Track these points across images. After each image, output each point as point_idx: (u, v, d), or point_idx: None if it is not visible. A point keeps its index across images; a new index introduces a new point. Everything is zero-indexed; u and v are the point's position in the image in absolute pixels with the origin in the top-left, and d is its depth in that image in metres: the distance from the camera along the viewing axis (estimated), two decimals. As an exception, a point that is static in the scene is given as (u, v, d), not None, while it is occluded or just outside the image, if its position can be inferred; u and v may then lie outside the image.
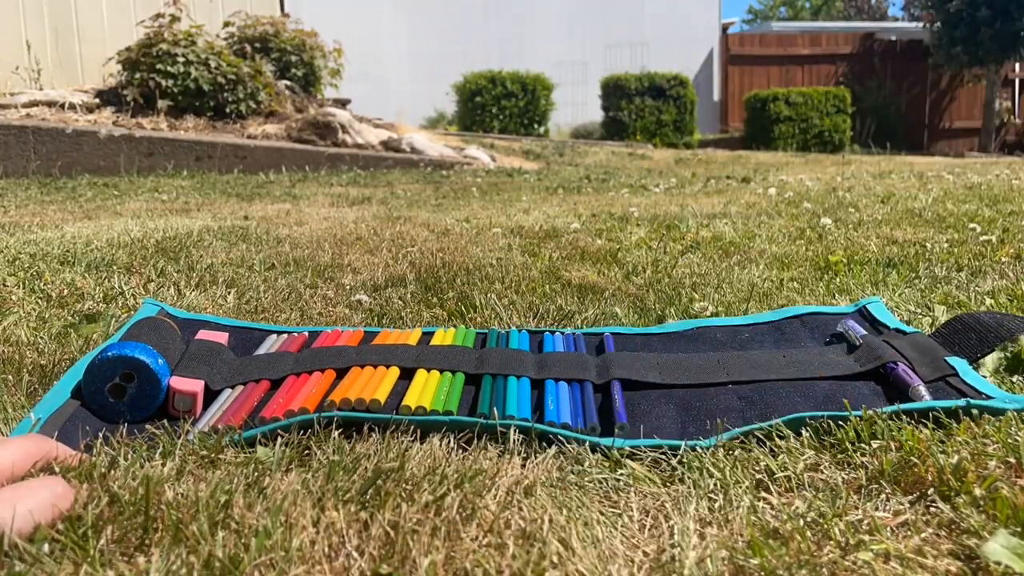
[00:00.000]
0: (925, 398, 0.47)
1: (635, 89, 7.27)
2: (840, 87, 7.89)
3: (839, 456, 0.42)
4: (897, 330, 0.60)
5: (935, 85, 8.62)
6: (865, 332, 0.59)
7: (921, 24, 8.42)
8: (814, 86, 8.00)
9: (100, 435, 0.48)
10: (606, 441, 0.46)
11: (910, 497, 0.37)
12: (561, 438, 0.47)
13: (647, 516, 0.38)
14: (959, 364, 0.51)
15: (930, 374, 0.51)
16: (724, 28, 9.19)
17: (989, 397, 0.46)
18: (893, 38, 8.71)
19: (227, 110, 3.68)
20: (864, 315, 0.66)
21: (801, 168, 3.73)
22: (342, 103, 4.51)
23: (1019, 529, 0.32)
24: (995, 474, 0.37)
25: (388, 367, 0.56)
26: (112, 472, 0.42)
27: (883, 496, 0.38)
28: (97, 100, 3.58)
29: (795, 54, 8.72)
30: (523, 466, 0.44)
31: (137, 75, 3.51)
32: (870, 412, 0.44)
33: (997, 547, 0.30)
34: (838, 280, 0.94)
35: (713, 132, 8.53)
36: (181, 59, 3.54)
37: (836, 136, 7.43)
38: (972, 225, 1.34)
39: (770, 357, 0.55)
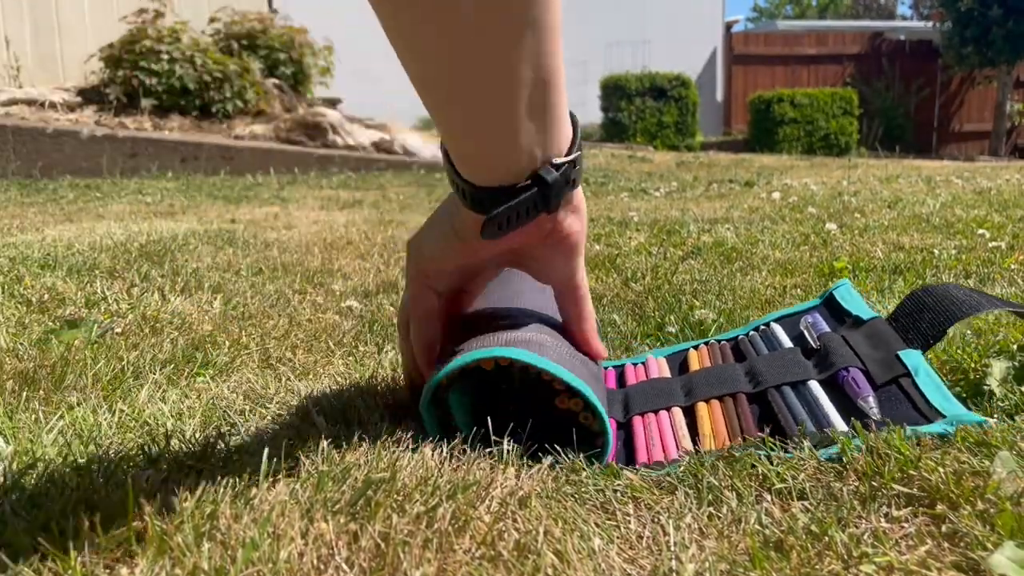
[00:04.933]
0: (872, 410, 0.45)
1: (635, 89, 7.23)
2: (847, 88, 7.74)
3: (839, 467, 0.42)
4: (857, 318, 0.56)
5: (945, 86, 8.46)
6: (827, 328, 0.57)
7: (931, 23, 8.33)
8: (820, 87, 7.83)
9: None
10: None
11: (913, 508, 0.37)
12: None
13: (644, 528, 0.38)
14: (912, 360, 0.48)
15: (882, 375, 0.48)
16: (728, 27, 9.12)
17: (939, 414, 0.44)
18: (902, 38, 8.61)
19: (213, 109, 3.64)
20: (831, 304, 0.62)
21: (806, 172, 3.72)
22: (332, 102, 4.48)
23: None
24: (999, 484, 0.37)
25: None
26: (93, 482, 0.41)
27: (885, 508, 0.37)
28: (79, 99, 3.53)
29: (801, 54, 8.56)
30: (517, 476, 0.43)
31: (120, 73, 3.47)
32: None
33: (1003, 559, 0.29)
34: (843, 287, 0.93)
35: (716, 134, 8.45)
36: (165, 56, 3.50)
37: (842, 139, 7.29)
38: (981, 231, 1.34)
39: (732, 371, 0.53)
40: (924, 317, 0.53)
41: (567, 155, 0.42)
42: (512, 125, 0.39)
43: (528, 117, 0.39)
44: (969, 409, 0.48)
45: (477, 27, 0.35)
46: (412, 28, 0.37)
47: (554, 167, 0.41)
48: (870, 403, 0.46)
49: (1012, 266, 1.02)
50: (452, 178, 0.43)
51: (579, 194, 0.45)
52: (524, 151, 0.40)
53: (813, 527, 0.35)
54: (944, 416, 0.44)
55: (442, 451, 0.47)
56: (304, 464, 0.45)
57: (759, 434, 0.45)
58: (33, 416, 0.53)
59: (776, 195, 2.24)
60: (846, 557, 0.33)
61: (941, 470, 0.39)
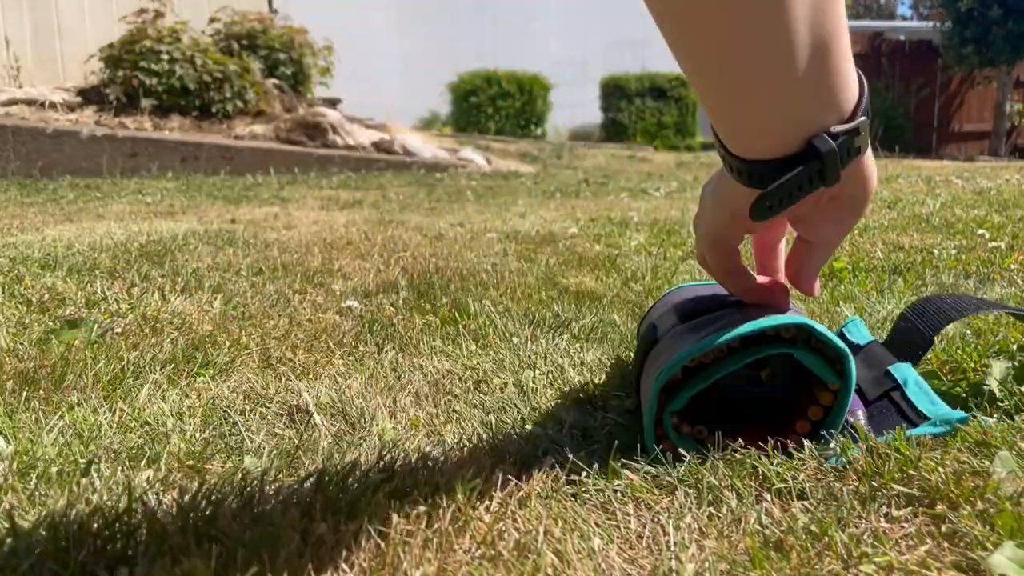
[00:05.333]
0: (860, 423, 0.46)
1: (635, 90, 7.25)
2: (848, 88, 7.82)
3: (839, 467, 0.42)
4: (857, 346, 0.59)
5: (945, 87, 8.44)
6: None
7: (931, 23, 8.32)
8: (820, 86, 7.95)
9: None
10: None
11: (913, 508, 0.37)
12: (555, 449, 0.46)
13: (644, 527, 0.38)
14: (901, 373, 0.51)
15: (874, 391, 0.51)
16: None
17: (925, 417, 0.46)
18: (902, 38, 8.58)
19: (213, 109, 3.64)
20: (841, 338, 0.64)
21: (803, 172, 3.71)
22: (332, 103, 4.48)
23: None
24: (999, 484, 0.37)
25: None
26: (93, 482, 0.41)
27: (885, 508, 0.37)
28: (79, 99, 3.53)
29: None
30: (517, 476, 0.43)
31: (120, 73, 3.47)
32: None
33: (1003, 559, 0.29)
34: (843, 287, 0.93)
35: None
36: (165, 56, 3.50)
37: (842, 139, 7.37)
38: (981, 231, 1.34)
39: None
40: (915, 334, 0.56)
41: (848, 121, 0.37)
42: (779, 90, 0.35)
43: (800, 81, 0.35)
44: (969, 409, 0.48)
45: None
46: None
47: (830, 136, 0.37)
48: (859, 417, 0.47)
49: (1012, 266, 1.02)
50: (721, 153, 0.40)
51: (867, 160, 0.40)
52: (794, 118, 0.36)
53: (813, 527, 0.35)
54: (929, 419, 0.45)
55: (441, 452, 0.47)
56: (304, 464, 0.45)
57: None
58: (33, 416, 0.53)
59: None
60: (846, 557, 0.33)
61: (941, 470, 0.39)
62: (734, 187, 0.40)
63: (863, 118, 0.38)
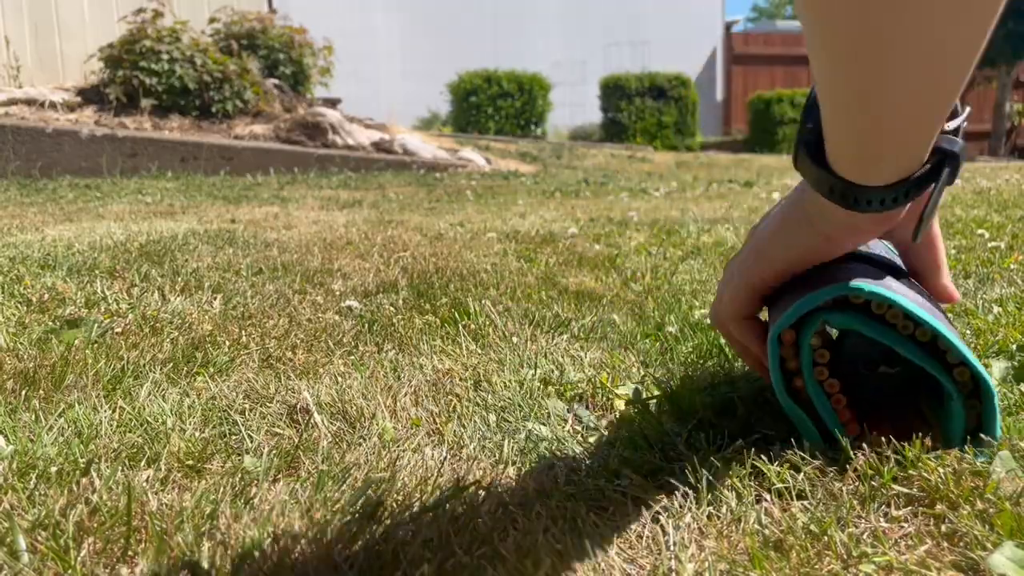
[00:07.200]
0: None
1: (635, 89, 7.26)
2: (847, 87, 7.87)
3: (839, 467, 0.42)
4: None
5: None
6: None
7: None
8: (820, 87, 8.03)
9: None
10: None
11: (912, 508, 0.37)
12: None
13: (644, 528, 0.38)
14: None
15: None
16: (727, 27, 9.17)
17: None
18: None
19: (213, 109, 3.64)
20: None
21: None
22: (332, 103, 4.49)
23: None
24: (998, 484, 0.37)
25: None
26: (93, 482, 0.41)
27: (885, 507, 0.37)
28: (79, 98, 3.53)
29: (801, 54, 8.72)
30: (518, 475, 0.43)
31: (120, 73, 3.47)
32: None
33: (1002, 559, 0.29)
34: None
35: (715, 134, 8.49)
36: (165, 56, 3.50)
37: (843, 139, 7.42)
38: (980, 231, 1.34)
39: None
40: None
41: (953, 116, 0.35)
42: (945, 110, 0.31)
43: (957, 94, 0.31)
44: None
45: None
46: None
47: (953, 133, 0.35)
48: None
49: (1011, 266, 1.02)
50: (829, 184, 0.35)
51: None
52: (936, 132, 0.33)
53: (813, 527, 0.35)
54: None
55: (442, 451, 0.47)
56: (304, 464, 0.45)
57: None
58: (33, 415, 0.53)
59: (776, 195, 2.25)
60: (846, 557, 0.33)
61: (941, 470, 0.39)
62: (835, 216, 0.37)
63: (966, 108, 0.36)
